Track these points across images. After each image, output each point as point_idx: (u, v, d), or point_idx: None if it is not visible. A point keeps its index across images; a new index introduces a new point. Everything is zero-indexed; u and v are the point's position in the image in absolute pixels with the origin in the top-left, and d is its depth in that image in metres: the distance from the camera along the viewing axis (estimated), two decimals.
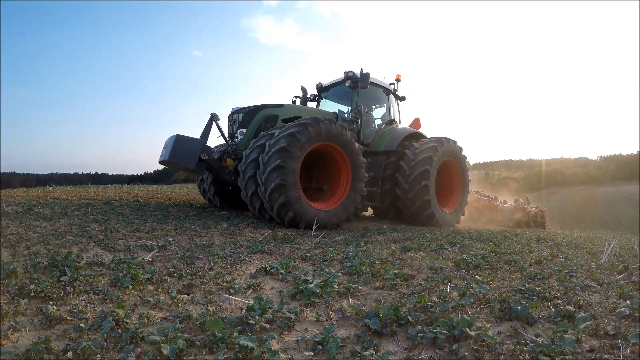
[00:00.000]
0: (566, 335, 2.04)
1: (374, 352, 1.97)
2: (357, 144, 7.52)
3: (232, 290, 2.97)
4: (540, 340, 2.14)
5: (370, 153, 9.13)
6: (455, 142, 9.61)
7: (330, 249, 4.73)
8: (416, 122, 10.85)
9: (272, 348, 1.96)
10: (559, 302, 2.82)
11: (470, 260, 4.07)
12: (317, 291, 2.91)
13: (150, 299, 2.66)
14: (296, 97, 10.03)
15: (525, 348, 1.98)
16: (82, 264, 3.35)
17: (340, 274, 3.57)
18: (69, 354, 1.85)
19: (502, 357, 1.96)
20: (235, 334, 2.08)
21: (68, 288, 2.74)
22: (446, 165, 9.62)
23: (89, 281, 2.94)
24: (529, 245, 5.68)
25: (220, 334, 2.06)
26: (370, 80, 9.22)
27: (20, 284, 2.76)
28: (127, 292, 2.79)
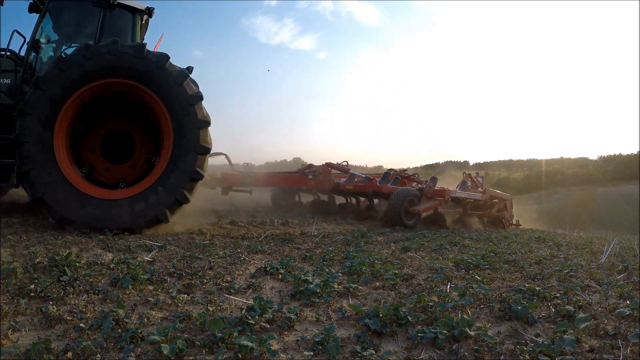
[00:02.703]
0: (566, 335, 2.04)
1: (374, 352, 1.97)
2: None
3: (232, 290, 2.96)
4: (540, 340, 2.14)
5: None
6: (114, 46, 4.90)
7: (330, 249, 4.72)
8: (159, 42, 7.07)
9: (272, 348, 1.96)
10: (559, 302, 2.82)
11: (470, 260, 4.07)
12: (317, 291, 2.91)
13: (150, 299, 2.66)
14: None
15: (525, 348, 1.98)
16: (82, 264, 3.34)
17: (340, 274, 3.57)
18: (69, 354, 1.85)
19: (502, 357, 1.96)
20: (235, 334, 2.08)
21: (68, 288, 2.73)
22: (124, 99, 5.36)
23: (89, 281, 2.94)
24: (529, 245, 5.68)
25: (220, 334, 2.06)
26: None
27: (20, 283, 2.75)
28: (127, 292, 2.79)
